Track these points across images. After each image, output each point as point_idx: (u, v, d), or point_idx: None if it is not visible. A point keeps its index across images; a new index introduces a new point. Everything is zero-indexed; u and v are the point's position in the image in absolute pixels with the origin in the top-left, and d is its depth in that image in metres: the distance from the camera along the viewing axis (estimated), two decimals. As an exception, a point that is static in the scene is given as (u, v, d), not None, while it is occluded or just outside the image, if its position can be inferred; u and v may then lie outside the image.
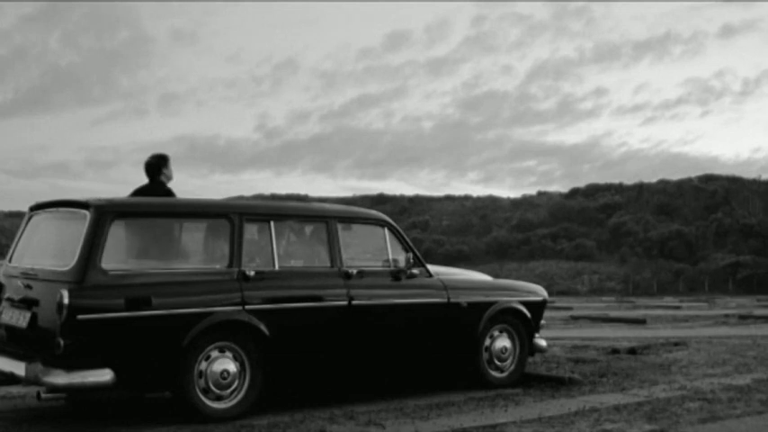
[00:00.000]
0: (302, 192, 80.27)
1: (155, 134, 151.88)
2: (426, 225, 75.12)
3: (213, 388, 5.50)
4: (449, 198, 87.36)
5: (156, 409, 6.08)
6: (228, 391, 5.56)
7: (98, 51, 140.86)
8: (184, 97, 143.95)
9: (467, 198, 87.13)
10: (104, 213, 5.32)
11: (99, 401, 6.24)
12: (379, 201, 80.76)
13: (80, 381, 5.02)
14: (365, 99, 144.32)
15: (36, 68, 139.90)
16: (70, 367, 5.00)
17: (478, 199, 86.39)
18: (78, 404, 6.14)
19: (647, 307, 27.10)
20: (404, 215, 74.35)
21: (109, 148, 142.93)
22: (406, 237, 6.68)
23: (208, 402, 5.49)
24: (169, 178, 6.78)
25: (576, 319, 19.18)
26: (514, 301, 7.14)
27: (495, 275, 8.88)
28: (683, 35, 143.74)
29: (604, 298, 41.66)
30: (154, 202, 5.85)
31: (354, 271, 6.19)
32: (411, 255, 6.55)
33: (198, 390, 5.45)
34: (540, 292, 7.50)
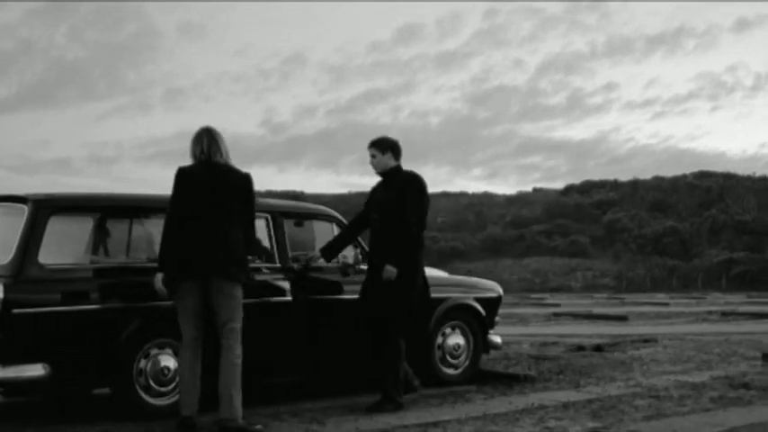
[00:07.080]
0: (300, 189, 79.70)
1: (159, 129, 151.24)
2: (421, 221, 74.91)
3: (154, 384, 5.45)
4: (444, 194, 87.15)
5: (101, 405, 6.04)
6: (170, 387, 5.51)
7: (104, 46, 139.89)
8: (190, 92, 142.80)
9: (462, 195, 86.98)
10: (42, 208, 5.28)
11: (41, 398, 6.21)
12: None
13: (15, 375, 4.98)
14: (373, 93, 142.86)
15: (41, 63, 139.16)
16: (5, 362, 4.95)
17: (474, 195, 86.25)
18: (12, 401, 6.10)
19: (635, 303, 27.01)
20: (399, 211, 74.06)
21: (112, 143, 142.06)
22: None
23: (148, 399, 5.44)
24: None
25: (558, 315, 19.15)
26: (468, 298, 7.10)
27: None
28: (697, 29, 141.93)
29: (596, 295, 41.51)
30: (93, 197, 5.80)
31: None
32: (359, 250, 6.50)
33: (138, 386, 5.40)
34: (495, 289, 7.46)
